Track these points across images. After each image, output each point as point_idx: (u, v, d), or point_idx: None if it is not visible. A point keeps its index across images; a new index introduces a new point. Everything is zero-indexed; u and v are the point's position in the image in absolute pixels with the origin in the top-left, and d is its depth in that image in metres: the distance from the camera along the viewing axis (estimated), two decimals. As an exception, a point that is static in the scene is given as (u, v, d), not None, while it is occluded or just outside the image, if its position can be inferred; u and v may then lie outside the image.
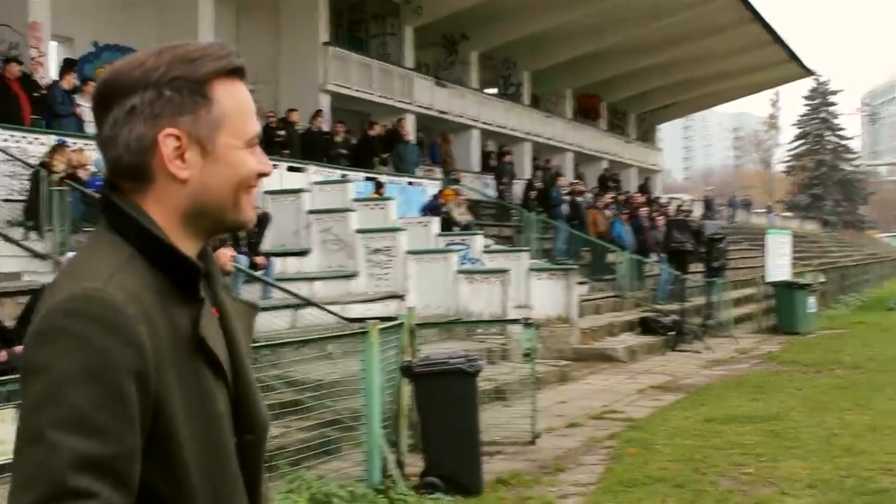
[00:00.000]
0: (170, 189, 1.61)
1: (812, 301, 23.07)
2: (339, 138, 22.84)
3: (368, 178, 21.89)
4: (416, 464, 8.64)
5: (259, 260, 14.49)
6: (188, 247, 1.64)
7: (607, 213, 25.57)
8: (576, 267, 20.01)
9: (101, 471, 1.40)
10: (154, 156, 1.59)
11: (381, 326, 8.23)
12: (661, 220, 25.42)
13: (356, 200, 18.46)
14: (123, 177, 1.62)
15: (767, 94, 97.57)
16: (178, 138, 1.59)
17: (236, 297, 1.82)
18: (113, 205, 1.62)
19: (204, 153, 1.62)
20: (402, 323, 9.12)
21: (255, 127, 1.69)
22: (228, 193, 1.64)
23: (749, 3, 35.68)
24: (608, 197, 28.49)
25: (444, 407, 8.01)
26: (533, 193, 26.42)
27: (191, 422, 1.55)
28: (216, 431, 1.60)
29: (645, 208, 26.82)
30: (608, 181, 37.16)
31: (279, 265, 15.67)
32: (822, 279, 28.90)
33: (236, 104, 1.65)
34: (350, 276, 16.65)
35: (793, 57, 43.93)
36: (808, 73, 49.15)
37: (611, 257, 23.68)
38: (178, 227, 1.63)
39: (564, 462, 9.29)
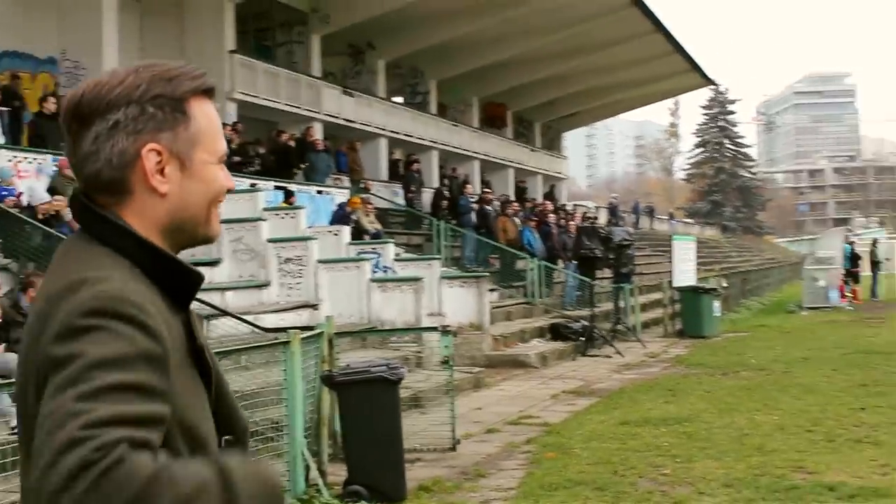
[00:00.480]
0: (148, 203, 1.66)
1: (716, 305, 23.56)
2: (234, 145, 22.42)
3: (278, 188, 21.73)
4: (337, 472, 8.61)
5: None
6: None
7: (516, 220, 25.79)
8: (486, 274, 20.13)
9: (124, 425, 1.38)
10: (134, 170, 1.64)
11: (301, 336, 8.18)
12: (571, 227, 25.73)
13: (266, 210, 18.31)
14: (100, 191, 1.66)
15: (668, 103, 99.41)
16: (159, 153, 1.64)
17: None
18: (102, 218, 1.65)
19: (182, 168, 1.67)
20: (321, 332, 9.08)
21: (224, 144, 1.76)
22: (202, 208, 1.71)
23: (651, 14, 36.35)
24: (516, 205, 28.76)
25: (366, 415, 7.99)
26: (444, 203, 26.48)
27: (193, 424, 1.58)
28: (209, 434, 1.64)
29: (553, 215, 27.13)
30: (524, 192, 37.70)
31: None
32: (725, 284, 29.53)
33: (209, 122, 1.72)
34: (262, 285, 16.49)
35: (694, 67, 44.91)
36: (710, 82, 50.32)
37: (520, 264, 23.89)
38: (156, 240, 1.66)
39: (485, 467, 9.33)
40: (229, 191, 1.76)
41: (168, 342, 1.52)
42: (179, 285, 1.66)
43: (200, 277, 1.70)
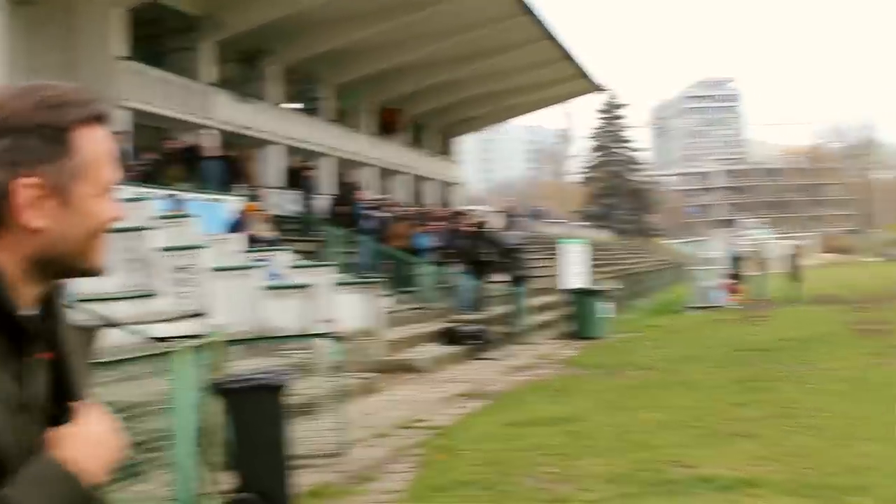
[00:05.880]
0: (21, 237, 1.54)
1: (608, 306, 24.06)
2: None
3: (169, 195, 21.49)
4: (227, 481, 8.64)
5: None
6: (33, 291, 1.59)
7: (410, 225, 25.96)
8: (380, 280, 20.22)
9: None
10: (9, 203, 1.53)
11: (190, 345, 8.20)
12: (464, 232, 25.99)
13: (156, 218, 18.11)
14: None
15: (564, 108, 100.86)
16: (37, 187, 1.53)
17: (75, 325, 1.72)
18: None
19: (62, 202, 1.56)
20: (210, 341, 9.10)
21: (114, 173, 1.65)
22: (81, 242, 1.59)
23: (541, 22, 36.90)
24: (409, 209, 28.94)
25: (254, 422, 8.05)
26: (341, 209, 26.46)
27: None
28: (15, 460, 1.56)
29: (446, 220, 27.36)
30: (420, 198, 37.94)
31: (75, 287, 15.20)
32: (618, 286, 30.14)
33: (96, 152, 1.60)
34: (152, 295, 16.33)
35: (582, 73, 45.67)
36: (598, 88, 51.15)
37: (414, 269, 24.04)
38: (24, 273, 1.56)
39: (374, 471, 9.46)
40: (116, 219, 1.64)
41: None
42: (9, 332, 1.55)
43: (27, 330, 1.56)
